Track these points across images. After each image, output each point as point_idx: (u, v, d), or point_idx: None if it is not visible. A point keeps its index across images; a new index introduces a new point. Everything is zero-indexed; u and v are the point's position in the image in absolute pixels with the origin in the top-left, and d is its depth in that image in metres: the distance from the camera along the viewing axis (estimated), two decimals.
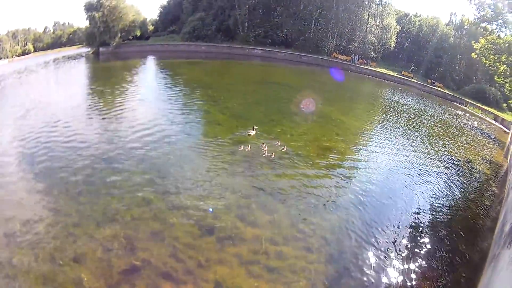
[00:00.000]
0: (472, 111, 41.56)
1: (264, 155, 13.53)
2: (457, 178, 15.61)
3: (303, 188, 11.40)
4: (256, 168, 12.43)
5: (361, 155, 16.30)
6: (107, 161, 11.84)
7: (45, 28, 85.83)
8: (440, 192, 13.64)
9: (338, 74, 41.88)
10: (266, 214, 9.56)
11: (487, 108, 43.43)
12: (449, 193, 13.73)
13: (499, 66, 28.39)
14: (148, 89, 25.64)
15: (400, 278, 7.85)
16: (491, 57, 28.69)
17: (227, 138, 15.21)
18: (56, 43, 79.24)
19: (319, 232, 9.07)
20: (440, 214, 11.86)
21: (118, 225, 8.29)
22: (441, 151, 19.77)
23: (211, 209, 9.37)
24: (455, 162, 18.07)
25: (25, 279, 6.59)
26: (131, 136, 14.37)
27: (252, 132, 15.83)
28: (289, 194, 10.86)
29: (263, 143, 14.51)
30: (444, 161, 17.84)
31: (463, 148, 21.79)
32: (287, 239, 8.51)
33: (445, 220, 11.48)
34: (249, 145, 14.11)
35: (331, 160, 14.49)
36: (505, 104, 47.61)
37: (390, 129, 22.89)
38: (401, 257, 8.69)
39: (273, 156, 13.45)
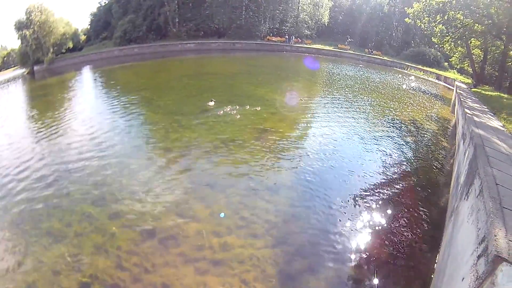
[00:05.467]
0: (414, 74, 43.55)
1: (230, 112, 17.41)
2: (408, 138, 16.51)
3: (243, 174, 11.58)
4: (191, 162, 12.49)
5: (302, 131, 16.73)
6: (46, 183, 11.36)
7: None
8: (392, 154, 14.29)
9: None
10: (205, 206, 9.59)
11: (428, 69, 45.86)
12: (402, 154, 14.44)
13: (434, 27, 29.95)
14: (82, 102, 24.89)
15: (358, 249, 8.02)
16: (425, 19, 30.20)
17: (161, 137, 15.34)
18: None
19: (263, 216, 9.20)
20: (394, 176, 12.30)
21: (62, 245, 8.10)
22: (389, 114, 20.83)
23: (150, 212, 9.37)
24: (404, 123, 19.10)
25: None
26: (66, 154, 13.94)
27: (212, 103, 18.88)
28: (227, 182, 10.98)
29: (228, 108, 18.15)
30: (394, 123, 18.84)
31: (410, 108, 23.04)
32: (230, 229, 8.59)
33: (400, 181, 11.89)
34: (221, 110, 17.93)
35: (269, 141, 14.60)
36: (446, 63, 50.06)
37: (333, 101, 23.67)
38: (356, 228, 8.88)
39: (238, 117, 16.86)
